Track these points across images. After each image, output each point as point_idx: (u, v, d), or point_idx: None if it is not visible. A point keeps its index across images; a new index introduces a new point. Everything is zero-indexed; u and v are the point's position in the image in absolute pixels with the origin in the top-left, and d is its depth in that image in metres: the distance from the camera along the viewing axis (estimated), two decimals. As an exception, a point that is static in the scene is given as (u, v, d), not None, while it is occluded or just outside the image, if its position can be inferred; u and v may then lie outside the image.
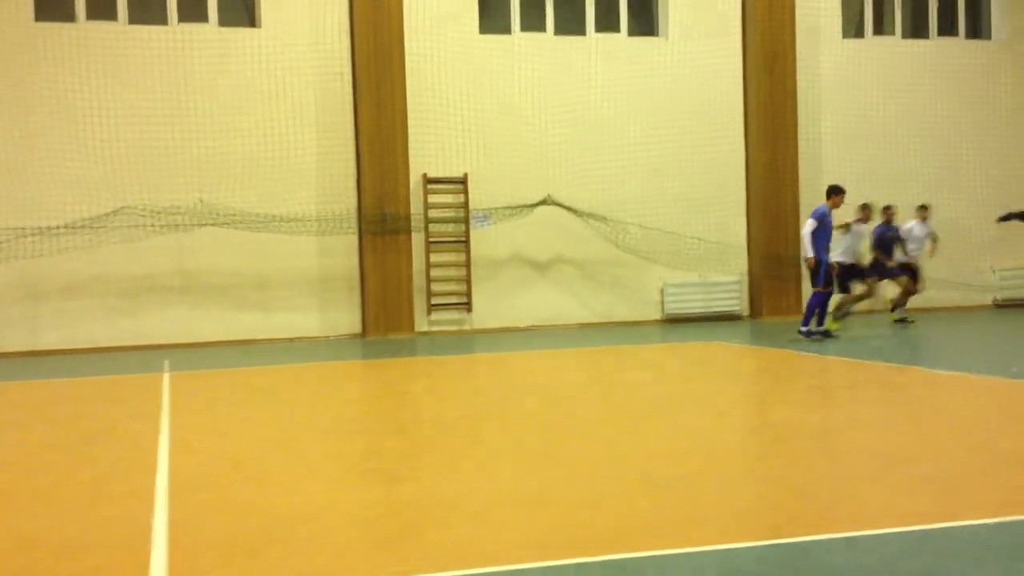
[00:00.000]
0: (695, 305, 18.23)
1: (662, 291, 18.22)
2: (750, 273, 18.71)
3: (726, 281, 18.46)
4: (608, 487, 5.84)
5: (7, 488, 6.38)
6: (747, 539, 4.81)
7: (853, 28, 19.78)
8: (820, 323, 14.07)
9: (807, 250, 13.82)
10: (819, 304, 14.02)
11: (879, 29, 19.93)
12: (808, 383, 10.65)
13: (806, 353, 12.44)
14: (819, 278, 13.87)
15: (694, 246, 18.31)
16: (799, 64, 18.70)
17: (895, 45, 19.76)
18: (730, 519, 5.16)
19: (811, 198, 18.79)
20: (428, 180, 17.21)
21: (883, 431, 7.40)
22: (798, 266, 18.27)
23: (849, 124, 19.26)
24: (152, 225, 16.10)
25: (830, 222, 14.06)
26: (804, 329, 13.87)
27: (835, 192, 14.16)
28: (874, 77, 19.42)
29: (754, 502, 5.53)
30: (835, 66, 19.24)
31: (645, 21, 18.87)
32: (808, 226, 13.91)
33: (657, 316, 18.36)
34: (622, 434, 7.65)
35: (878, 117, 19.41)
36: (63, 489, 6.27)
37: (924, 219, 16.75)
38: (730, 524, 5.07)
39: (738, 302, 18.53)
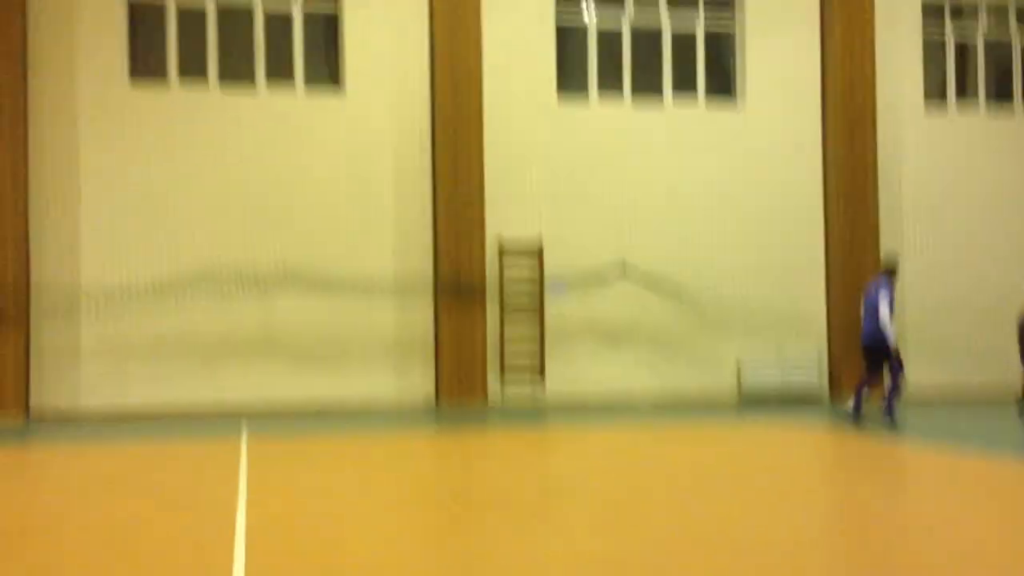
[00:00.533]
0: (772, 379, 17.93)
1: (738, 364, 18.01)
2: (829, 349, 18.42)
3: (804, 356, 18.16)
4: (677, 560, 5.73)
5: (89, 550, 6.49)
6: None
7: (936, 98, 19.54)
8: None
9: (890, 336, 13.18)
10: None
11: (962, 94, 19.66)
12: (887, 468, 10.37)
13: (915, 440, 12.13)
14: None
15: (771, 319, 18.10)
16: (880, 136, 18.54)
17: (979, 119, 19.49)
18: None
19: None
20: (504, 246, 17.33)
21: (965, 527, 7.17)
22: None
23: (932, 198, 18.97)
24: (235, 288, 16.44)
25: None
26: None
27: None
28: (958, 151, 19.15)
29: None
30: (917, 138, 19.04)
31: (723, 90, 18.89)
32: (886, 308, 13.13)
33: (733, 389, 18.12)
34: (704, 528, 7.52)
35: (961, 193, 19.10)
36: (143, 558, 6.36)
37: None
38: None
39: (816, 376, 18.17)
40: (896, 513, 7.87)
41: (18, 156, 15.68)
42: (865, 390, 13.61)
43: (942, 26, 19.59)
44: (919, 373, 18.61)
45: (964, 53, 19.85)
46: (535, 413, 15.83)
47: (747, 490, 8.99)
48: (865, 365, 13.70)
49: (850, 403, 13.64)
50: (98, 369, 16.09)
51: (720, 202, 18.23)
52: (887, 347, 13.23)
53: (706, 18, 18.65)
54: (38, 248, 15.96)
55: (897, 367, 13.33)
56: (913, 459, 10.88)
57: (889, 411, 13.33)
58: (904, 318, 18.64)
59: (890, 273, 13.52)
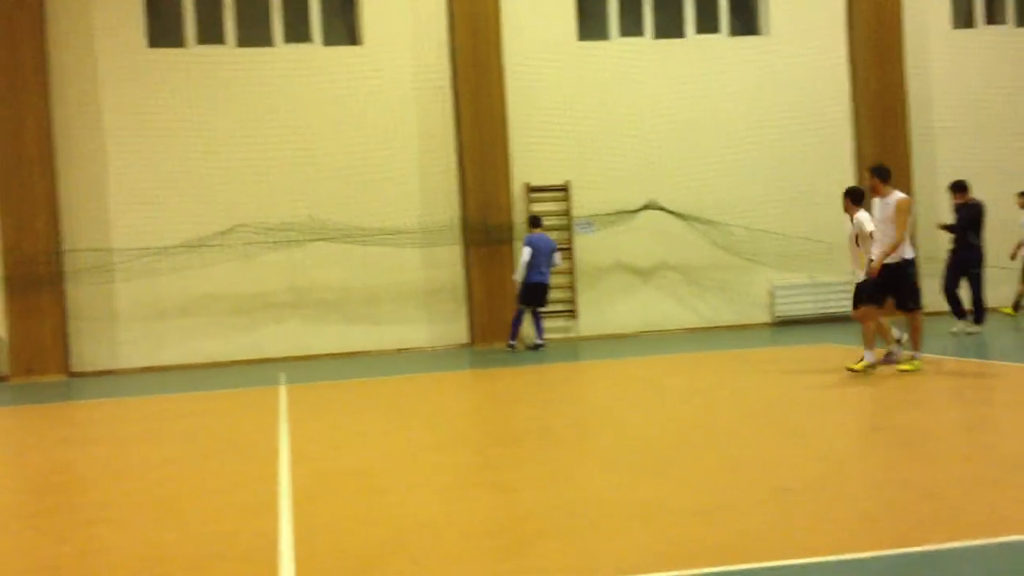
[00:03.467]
0: (805, 307, 17.87)
1: (771, 293, 17.92)
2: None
3: (837, 281, 18.01)
4: (726, 496, 5.76)
5: (133, 502, 6.60)
6: (872, 548, 4.67)
7: (963, 18, 19.16)
8: None
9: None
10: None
11: (991, 19, 19.26)
12: (930, 385, 10.32)
13: (930, 354, 12.06)
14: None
15: (802, 246, 17.94)
16: (907, 57, 18.20)
17: (1007, 34, 19.07)
18: (854, 527, 5.02)
19: (926, 193, 18.29)
20: (530, 189, 17.27)
21: (1013, 433, 7.14)
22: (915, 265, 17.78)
23: (962, 116, 18.65)
24: (264, 242, 16.52)
25: None
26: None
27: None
28: (986, 68, 18.77)
29: (879, 508, 5.37)
30: (945, 58, 18.66)
31: (746, 20, 18.59)
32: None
33: (766, 319, 18.06)
34: (738, 441, 7.53)
35: (993, 110, 18.75)
36: (188, 502, 6.47)
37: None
38: (854, 532, 4.93)
39: (850, 301, 18.03)
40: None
41: (43, 123, 15.74)
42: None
43: (968, -59, 19.12)
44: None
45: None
46: (568, 349, 15.84)
47: (767, 402, 8.99)
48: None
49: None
50: (134, 328, 16.25)
51: (747, 133, 18.01)
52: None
53: (725, -54, 18.32)
54: (68, 214, 16.07)
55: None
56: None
57: None
58: (937, 237, 18.39)
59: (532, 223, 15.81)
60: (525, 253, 15.54)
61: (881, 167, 11.09)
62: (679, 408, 9.32)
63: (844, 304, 18.00)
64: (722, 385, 10.83)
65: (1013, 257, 16.61)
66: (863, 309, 10.82)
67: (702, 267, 17.91)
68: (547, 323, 17.01)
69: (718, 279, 18.08)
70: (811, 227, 17.93)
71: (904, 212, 10.49)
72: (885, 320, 11.46)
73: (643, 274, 17.81)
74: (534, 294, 15.78)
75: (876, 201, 10.89)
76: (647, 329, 17.67)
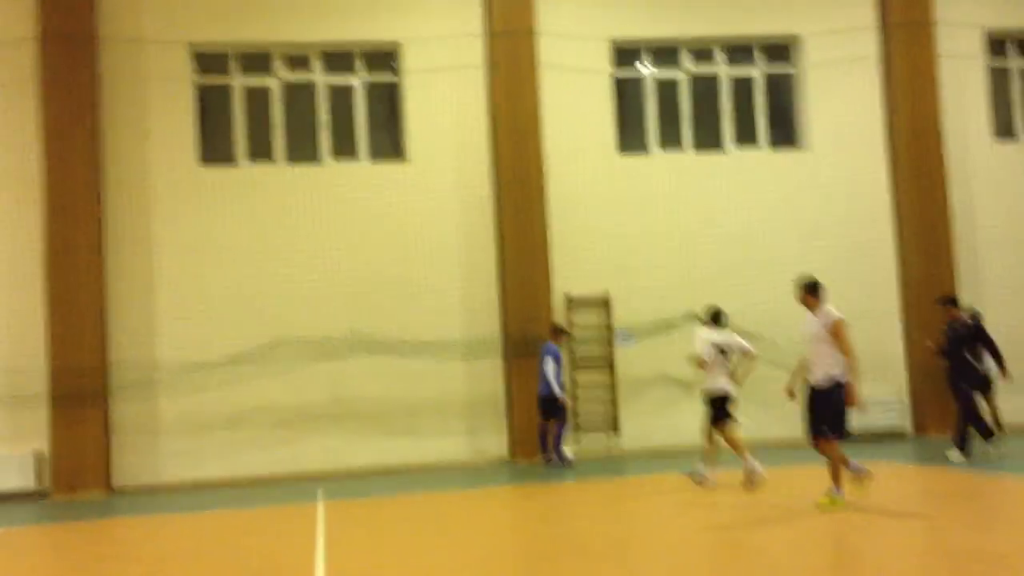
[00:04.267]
0: (855, 422, 17.49)
1: (817, 408, 17.60)
2: (911, 389, 17.95)
3: (884, 399, 17.69)
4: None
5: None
6: None
7: (1003, 128, 19.19)
8: None
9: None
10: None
11: (1031, 125, 19.28)
12: (984, 504, 10.00)
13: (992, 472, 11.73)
14: None
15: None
16: (949, 171, 18.19)
17: (1049, 145, 19.05)
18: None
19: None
20: (571, 301, 17.29)
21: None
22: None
23: (1008, 231, 18.52)
24: (306, 356, 16.61)
25: None
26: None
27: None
28: (1030, 179, 18.72)
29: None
30: (988, 170, 18.64)
31: (784, 134, 18.76)
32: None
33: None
34: (773, 561, 7.30)
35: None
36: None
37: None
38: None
39: (895, 417, 17.70)
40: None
41: (94, 237, 16.11)
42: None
43: (1005, 56, 19.28)
44: (1006, 404, 18.03)
45: (1030, 82, 19.50)
46: (612, 465, 15.60)
47: (821, 526, 8.73)
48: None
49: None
50: (176, 443, 16.29)
51: (789, 246, 17.98)
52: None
53: (765, 63, 18.61)
54: (115, 327, 16.31)
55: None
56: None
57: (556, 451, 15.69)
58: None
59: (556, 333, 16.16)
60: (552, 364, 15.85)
61: (812, 281, 10.38)
62: (722, 525, 9.08)
63: (891, 420, 17.69)
64: (775, 506, 10.56)
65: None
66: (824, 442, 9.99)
67: (753, 381, 17.65)
68: (588, 437, 16.84)
69: (764, 392, 17.80)
70: (857, 342, 17.64)
71: (844, 332, 9.94)
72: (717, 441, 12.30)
73: (685, 387, 17.61)
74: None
75: (808, 317, 10.35)
76: (692, 444, 17.37)
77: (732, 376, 12.43)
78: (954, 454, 13.49)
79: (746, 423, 17.61)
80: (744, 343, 12.66)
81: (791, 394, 10.66)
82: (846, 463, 10.08)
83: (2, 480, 15.56)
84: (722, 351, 12.40)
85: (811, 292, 10.25)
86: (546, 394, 15.79)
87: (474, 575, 7.64)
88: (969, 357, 13.75)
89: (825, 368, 9.89)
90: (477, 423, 17.05)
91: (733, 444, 12.25)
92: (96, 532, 11.88)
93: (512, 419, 16.88)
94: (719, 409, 12.39)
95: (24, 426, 15.80)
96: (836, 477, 9.86)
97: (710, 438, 12.37)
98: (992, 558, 7.17)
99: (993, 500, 10.52)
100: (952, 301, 14.17)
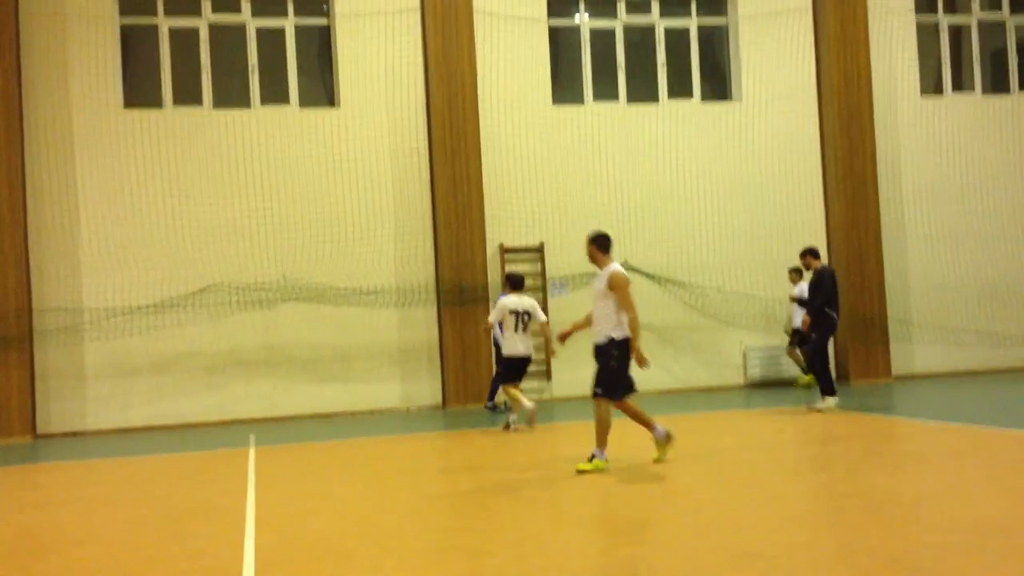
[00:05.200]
0: (779, 369, 17.93)
1: (744, 355, 17.98)
2: (835, 337, 18.33)
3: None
4: (697, 561, 5.71)
5: (96, 566, 6.47)
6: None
7: (931, 86, 19.57)
8: None
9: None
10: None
11: (958, 86, 19.67)
12: (898, 447, 10.34)
13: (892, 416, 12.10)
14: None
15: (775, 309, 18.07)
16: (877, 124, 18.52)
17: (975, 101, 19.47)
18: (824, 594, 4.98)
19: (895, 259, 18.51)
20: (505, 250, 17.34)
21: (975, 498, 7.13)
22: (885, 328, 17.99)
23: (931, 183, 18.96)
24: (237, 302, 16.46)
25: None
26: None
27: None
28: (955, 134, 19.14)
29: (849, 575, 5.35)
30: (914, 125, 19.02)
31: (718, 87, 18.91)
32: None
33: (739, 381, 18.11)
34: (709, 505, 7.50)
35: (960, 175, 19.08)
36: (151, 569, 6.34)
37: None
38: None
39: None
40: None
41: (15, 181, 15.71)
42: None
43: (935, 13, 19.57)
44: (925, 354, 18.64)
45: (958, 37, 19.84)
46: (542, 410, 15.75)
47: (739, 466, 8.96)
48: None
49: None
50: (103, 388, 16.08)
51: (720, 197, 18.22)
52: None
53: (698, 16, 18.67)
54: (39, 272, 15.97)
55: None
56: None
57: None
58: (909, 301, 18.62)
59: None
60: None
61: (600, 235, 9.70)
62: (652, 471, 9.27)
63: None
64: (696, 448, 10.80)
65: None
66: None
67: (676, 328, 17.97)
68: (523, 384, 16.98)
69: (692, 341, 18.14)
70: (784, 290, 18.05)
71: (623, 288, 9.25)
72: (514, 391, 12.69)
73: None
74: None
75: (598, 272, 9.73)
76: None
77: (549, 341, 13.23)
78: (824, 402, 13.40)
79: (671, 370, 17.97)
80: (539, 311, 13.21)
81: (560, 339, 10.38)
82: (648, 425, 9.50)
83: (-78, 427, 15.23)
84: (522, 317, 12.96)
85: (597, 245, 9.52)
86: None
87: (402, 519, 7.71)
88: (828, 309, 13.56)
89: (604, 326, 9.31)
90: (410, 370, 17.09)
91: (512, 398, 12.97)
92: (22, 477, 11.73)
93: (445, 367, 16.95)
94: (517, 371, 13.16)
95: (-55, 372, 15.47)
96: (599, 438, 9.25)
97: (512, 394, 13.04)
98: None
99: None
100: (815, 253, 14.39)
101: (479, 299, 16.83)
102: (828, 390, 13.47)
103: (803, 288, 16.50)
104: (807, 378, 16.68)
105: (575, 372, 17.49)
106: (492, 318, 13.31)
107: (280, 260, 16.70)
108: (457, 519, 7.66)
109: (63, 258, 16.08)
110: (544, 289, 17.39)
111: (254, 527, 7.34)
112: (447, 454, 12.16)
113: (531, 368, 17.30)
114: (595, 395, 9.36)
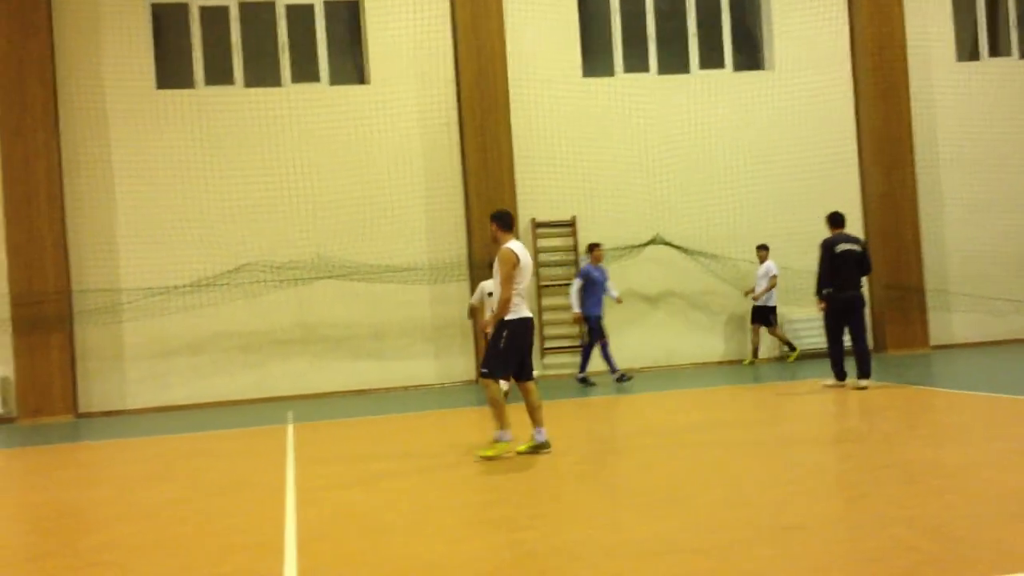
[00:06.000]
0: (813, 340, 17.79)
1: (780, 327, 17.85)
2: (872, 306, 18.21)
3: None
4: (732, 534, 5.70)
5: (139, 542, 6.57)
6: (881, 586, 4.61)
7: (967, 51, 19.24)
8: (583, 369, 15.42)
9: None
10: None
11: (995, 51, 19.33)
12: (937, 418, 10.26)
13: (930, 387, 12.00)
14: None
15: (809, 280, 17.87)
16: (912, 90, 18.26)
17: (1012, 66, 19.13)
18: (861, 565, 4.97)
19: (932, 227, 18.29)
20: (537, 224, 17.31)
21: (1015, 467, 7.07)
22: (923, 298, 17.82)
23: (968, 150, 18.68)
24: (272, 280, 16.57)
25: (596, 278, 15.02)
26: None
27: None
28: (992, 100, 18.84)
29: (887, 546, 5.32)
30: (950, 90, 18.73)
31: (750, 56, 18.71)
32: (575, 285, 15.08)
33: (774, 353, 18.02)
34: (744, 478, 7.48)
35: (998, 141, 18.79)
36: (193, 543, 6.44)
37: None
38: (862, 571, 4.88)
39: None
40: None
41: (52, 162, 15.88)
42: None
43: (970, -25, 19.23)
44: (963, 323, 18.46)
45: (995, 1, 19.47)
46: (576, 385, 15.78)
47: (775, 438, 8.93)
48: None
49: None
50: (141, 368, 16.29)
51: (753, 167, 18.08)
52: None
53: (728, -17, 18.47)
54: (76, 254, 16.16)
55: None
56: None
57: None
58: (946, 270, 18.41)
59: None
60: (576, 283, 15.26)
61: (502, 212, 9.29)
62: (688, 443, 9.27)
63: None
64: (730, 420, 10.78)
65: (751, 295, 17.40)
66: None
67: (708, 301, 17.90)
68: (555, 358, 17.05)
69: (724, 313, 18.06)
70: (813, 260, 17.89)
71: (505, 264, 8.82)
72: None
73: (649, 308, 17.80)
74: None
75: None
76: (655, 364, 17.65)
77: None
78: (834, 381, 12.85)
79: (704, 344, 17.89)
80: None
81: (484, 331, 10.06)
82: (500, 420, 8.96)
83: (-33, 406, 15.54)
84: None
85: (499, 224, 9.14)
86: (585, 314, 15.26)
87: (437, 493, 7.76)
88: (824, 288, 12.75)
89: (494, 305, 9.23)
90: (443, 346, 17.16)
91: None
92: (64, 455, 11.92)
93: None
94: None
95: (-12, 352, 15.75)
96: (498, 419, 8.93)
97: None
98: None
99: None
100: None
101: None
102: (838, 373, 12.74)
103: (769, 266, 16.89)
104: (794, 354, 17.23)
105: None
106: (573, 289, 15.01)
107: (313, 238, 16.78)
108: (492, 492, 7.69)
109: (100, 239, 16.25)
110: (576, 264, 17.36)
111: (294, 502, 7.42)
112: (480, 430, 12.20)
113: (565, 343, 17.39)
114: (482, 375, 9.16)
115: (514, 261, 8.86)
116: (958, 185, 18.59)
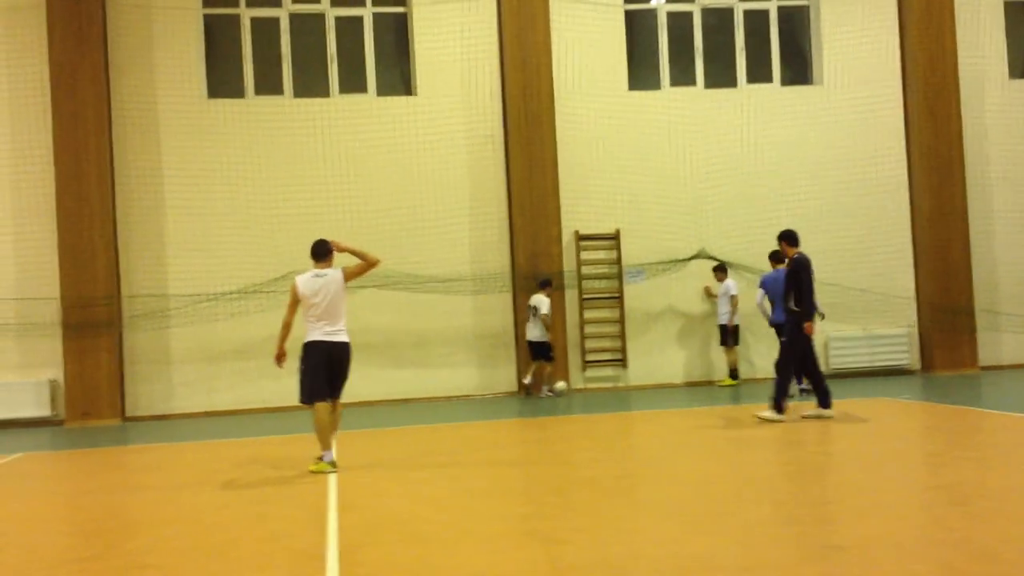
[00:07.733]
0: (860, 359, 17.60)
1: (825, 345, 17.66)
2: (920, 325, 17.98)
3: (893, 334, 17.79)
4: (775, 553, 5.65)
5: (183, 546, 6.65)
6: (928, 610, 4.54)
7: (1020, 69, 18.96)
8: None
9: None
10: None
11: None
12: (985, 440, 10.09)
13: (978, 408, 11.80)
14: None
15: (857, 298, 17.73)
16: (963, 107, 18.03)
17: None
18: (908, 588, 4.90)
19: (983, 245, 18.04)
20: (580, 237, 17.30)
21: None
22: (972, 317, 17.57)
23: (1019, 167, 18.40)
24: (317, 288, 16.65)
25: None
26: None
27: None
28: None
29: (934, 569, 5.24)
30: (1002, 108, 18.46)
31: (798, 71, 18.58)
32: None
33: (823, 370, 17.79)
34: (791, 496, 7.41)
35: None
36: (235, 549, 6.49)
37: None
38: (908, 593, 4.81)
39: (907, 355, 17.80)
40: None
41: (103, 170, 16.13)
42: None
43: (1024, -10, 18.97)
44: (1015, 344, 18.15)
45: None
46: (617, 399, 15.74)
47: (823, 457, 8.82)
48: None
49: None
50: (188, 373, 16.48)
51: (800, 183, 17.93)
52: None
53: (777, -3, 18.39)
54: (126, 259, 16.40)
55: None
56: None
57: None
58: (997, 289, 18.12)
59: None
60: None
61: (318, 242, 10.15)
62: (732, 461, 9.20)
63: (900, 357, 17.77)
64: (776, 438, 10.67)
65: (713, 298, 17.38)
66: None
67: (755, 318, 17.72)
68: (596, 371, 17.00)
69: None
70: (866, 278, 17.76)
71: (291, 296, 9.97)
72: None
73: (693, 323, 17.71)
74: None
75: None
76: (698, 380, 17.53)
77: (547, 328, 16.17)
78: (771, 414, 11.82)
79: (753, 361, 17.75)
80: (544, 306, 16.20)
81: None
82: (323, 444, 9.55)
83: (19, 407, 15.83)
84: (534, 310, 16.19)
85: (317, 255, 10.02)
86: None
87: (478, 504, 7.77)
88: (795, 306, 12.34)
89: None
90: (486, 357, 17.18)
91: (540, 370, 16.26)
92: (111, 458, 12.09)
93: (520, 353, 17.00)
94: (542, 352, 16.28)
95: (39, 355, 16.02)
96: (321, 440, 9.56)
97: (542, 370, 16.32)
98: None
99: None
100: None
101: (555, 286, 16.81)
102: (778, 405, 11.63)
103: (728, 286, 16.78)
104: (728, 381, 16.91)
105: (651, 360, 17.48)
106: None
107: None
108: (532, 505, 7.68)
109: (150, 246, 16.49)
110: (620, 277, 17.32)
111: (336, 510, 7.47)
112: (522, 442, 12.21)
113: (606, 356, 17.36)
114: (301, 401, 9.79)
115: (293, 293, 9.84)
116: (1009, 204, 18.31)
